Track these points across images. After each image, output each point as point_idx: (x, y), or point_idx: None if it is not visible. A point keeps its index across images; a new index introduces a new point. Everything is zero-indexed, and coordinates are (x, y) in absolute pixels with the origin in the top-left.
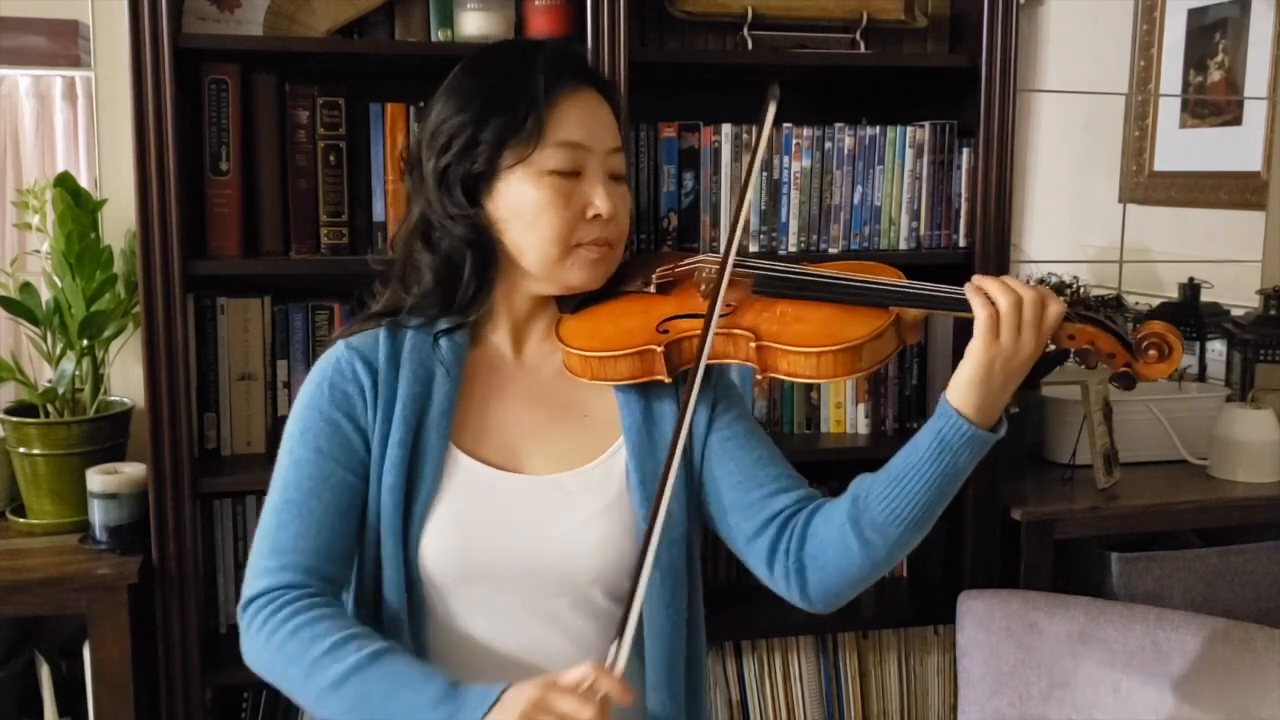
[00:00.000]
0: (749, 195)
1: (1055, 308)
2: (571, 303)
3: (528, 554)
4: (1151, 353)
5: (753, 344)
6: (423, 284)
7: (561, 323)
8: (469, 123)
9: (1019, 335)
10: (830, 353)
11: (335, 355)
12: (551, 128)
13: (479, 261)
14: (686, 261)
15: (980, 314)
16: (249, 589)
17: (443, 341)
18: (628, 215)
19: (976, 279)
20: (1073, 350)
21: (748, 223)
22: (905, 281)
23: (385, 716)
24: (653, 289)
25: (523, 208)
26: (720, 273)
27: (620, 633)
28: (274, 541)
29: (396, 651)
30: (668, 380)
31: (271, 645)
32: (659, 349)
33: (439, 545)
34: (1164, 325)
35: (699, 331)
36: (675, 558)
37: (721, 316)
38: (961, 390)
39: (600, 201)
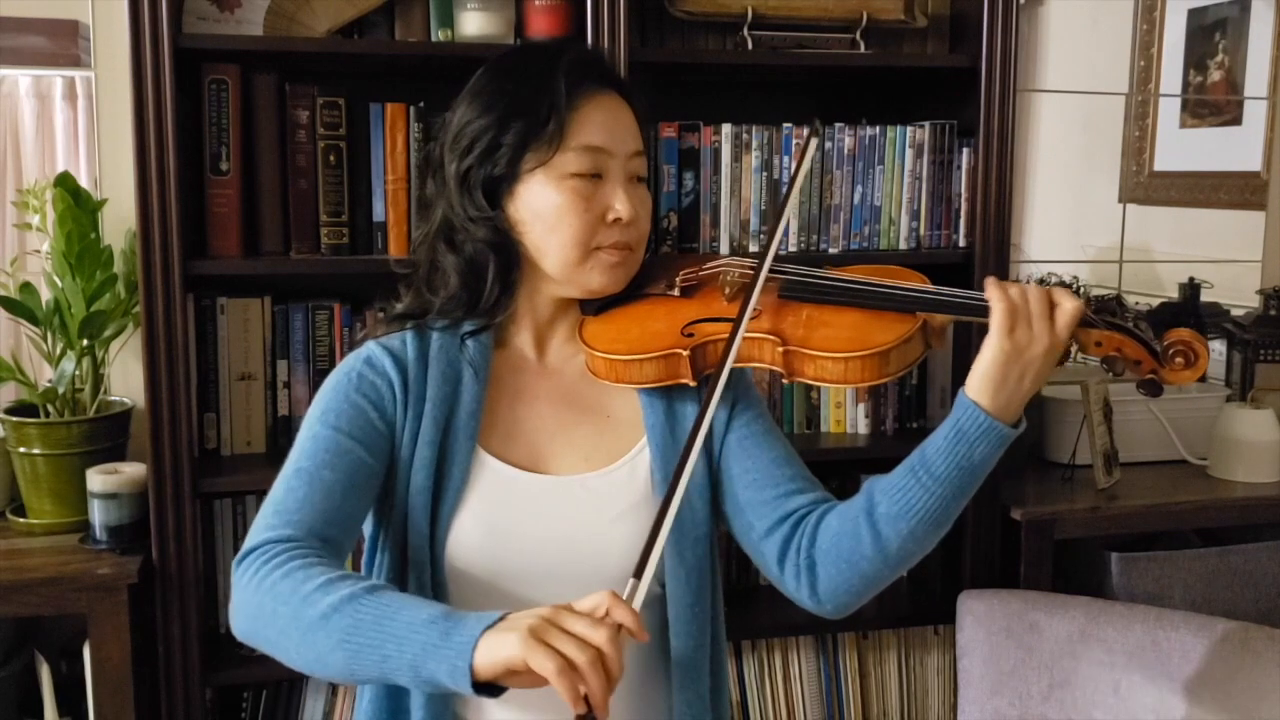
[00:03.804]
0: (785, 216)
1: (1071, 303)
2: (594, 305)
3: (554, 554)
4: (1178, 360)
5: (779, 348)
6: (448, 287)
7: (585, 325)
8: (491, 126)
9: (1031, 328)
10: (858, 358)
11: (366, 351)
12: (572, 131)
13: (502, 264)
14: (711, 264)
15: (998, 307)
16: (246, 544)
17: (469, 343)
18: (648, 217)
19: (993, 278)
20: (1099, 357)
21: (774, 225)
22: (931, 287)
23: (377, 642)
24: (677, 292)
25: (543, 211)
26: (754, 277)
27: (640, 570)
28: (280, 504)
29: (393, 589)
30: (693, 384)
31: (263, 588)
32: (685, 353)
33: (466, 546)
34: (1191, 333)
35: (724, 335)
36: (699, 556)
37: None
38: (977, 382)
39: (621, 205)
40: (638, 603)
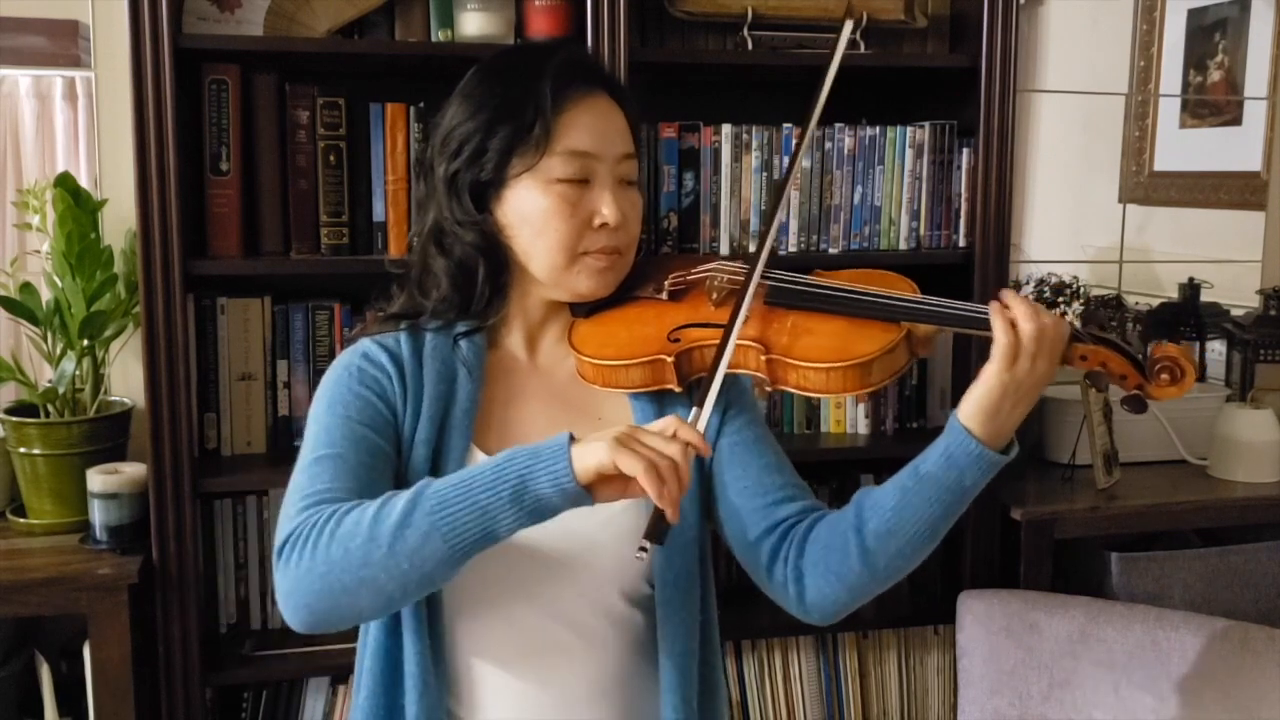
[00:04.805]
0: (783, 200)
1: (1057, 328)
2: (584, 307)
3: (547, 552)
4: (1164, 376)
5: (763, 356)
6: (440, 289)
7: (574, 328)
8: (478, 130)
9: (1035, 363)
10: (840, 368)
11: (362, 347)
12: (558, 136)
13: (491, 267)
14: (699, 268)
15: (1001, 339)
16: (282, 534)
17: (463, 343)
18: (638, 221)
19: (1005, 296)
20: (1084, 371)
21: (764, 233)
22: (918, 296)
23: (470, 501)
24: (665, 295)
25: (530, 215)
26: (744, 286)
27: (702, 400)
28: (305, 490)
29: None
30: (678, 390)
31: (320, 546)
32: (669, 359)
33: None
34: (1177, 349)
35: (709, 341)
36: (689, 560)
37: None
38: (972, 410)
39: (608, 210)
40: (701, 424)
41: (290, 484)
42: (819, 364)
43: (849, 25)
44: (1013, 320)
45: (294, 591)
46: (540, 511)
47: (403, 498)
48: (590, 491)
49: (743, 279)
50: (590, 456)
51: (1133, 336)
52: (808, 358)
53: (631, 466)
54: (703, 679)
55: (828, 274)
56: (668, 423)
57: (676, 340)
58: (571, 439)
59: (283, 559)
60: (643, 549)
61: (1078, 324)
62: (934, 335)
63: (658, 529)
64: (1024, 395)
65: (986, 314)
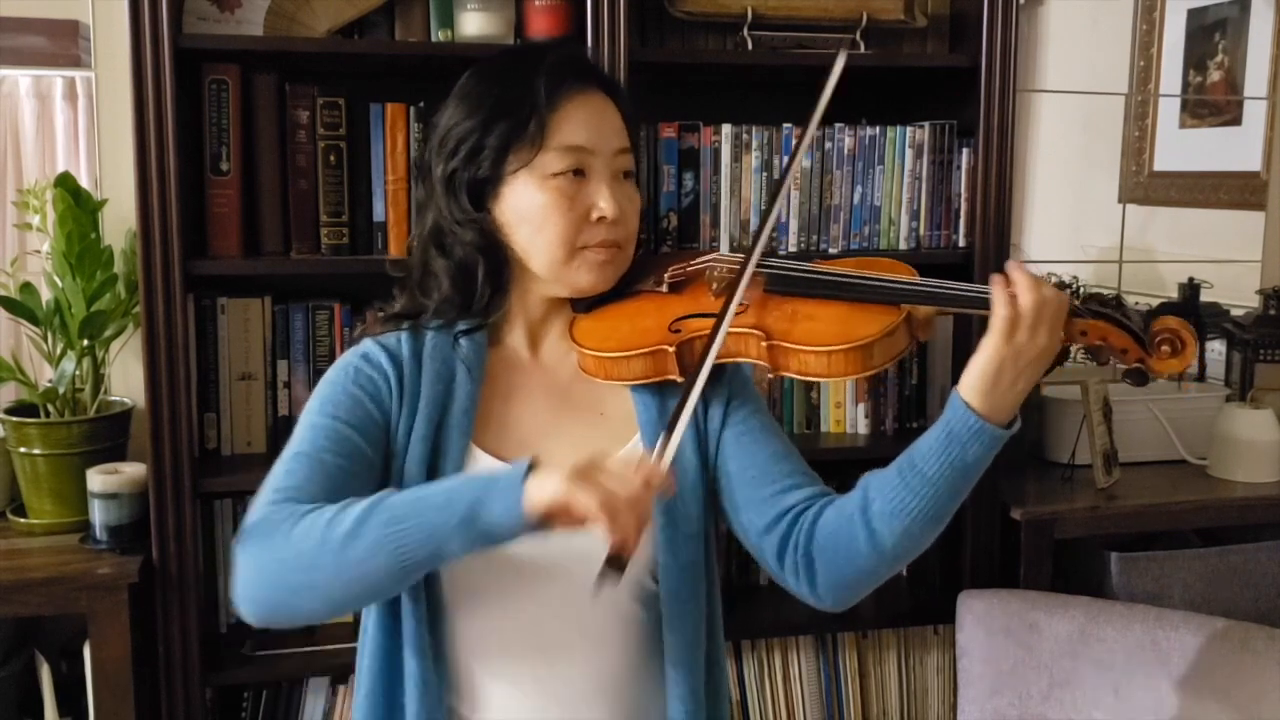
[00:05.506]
0: (781, 197)
1: (1060, 301)
2: (585, 302)
3: (547, 550)
4: (1165, 348)
5: (764, 343)
6: (441, 290)
7: (575, 323)
8: (474, 128)
9: (1034, 336)
10: (841, 351)
11: (363, 348)
12: (554, 131)
13: (491, 266)
14: (698, 260)
15: (1000, 312)
16: (247, 522)
17: (463, 341)
18: (636, 215)
19: (1010, 269)
20: (1084, 347)
21: (762, 221)
22: (917, 279)
23: (422, 519)
24: (665, 288)
25: (528, 212)
26: (740, 272)
27: (670, 428)
28: (278, 485)
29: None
30: (680, 380)
31: (275, 542)
32: (671, 349)
33: None
34: (1177, 320)
35: (710, 331)
36: (694, 553)
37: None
38: (972, 384)
39: (605, 204)
40: (667, 458)
41: (269, 474)
42: (819, 347)
43: (843, 56)
44: (1013, 292)
45: (246, 582)
46: (490, 538)
47: (359, 506)
48: (546, 522)
49: (740, 269)
50: (545, 489)
51: None
52: (807, 342)
53: (585, 503)
54: (707, 672)
55: (827, 262)
56: (634, 458)
57: (678, 331)
58: (532, 466)
59: (242, 549)
60: (602, 582)
61: (1078, 301)
62: (934, 317)
63: (613, 564)
64: (1024, 369)
65: (984, 293)
